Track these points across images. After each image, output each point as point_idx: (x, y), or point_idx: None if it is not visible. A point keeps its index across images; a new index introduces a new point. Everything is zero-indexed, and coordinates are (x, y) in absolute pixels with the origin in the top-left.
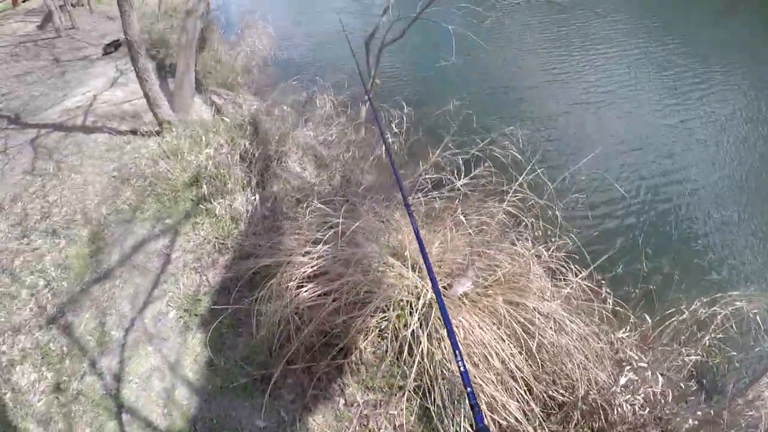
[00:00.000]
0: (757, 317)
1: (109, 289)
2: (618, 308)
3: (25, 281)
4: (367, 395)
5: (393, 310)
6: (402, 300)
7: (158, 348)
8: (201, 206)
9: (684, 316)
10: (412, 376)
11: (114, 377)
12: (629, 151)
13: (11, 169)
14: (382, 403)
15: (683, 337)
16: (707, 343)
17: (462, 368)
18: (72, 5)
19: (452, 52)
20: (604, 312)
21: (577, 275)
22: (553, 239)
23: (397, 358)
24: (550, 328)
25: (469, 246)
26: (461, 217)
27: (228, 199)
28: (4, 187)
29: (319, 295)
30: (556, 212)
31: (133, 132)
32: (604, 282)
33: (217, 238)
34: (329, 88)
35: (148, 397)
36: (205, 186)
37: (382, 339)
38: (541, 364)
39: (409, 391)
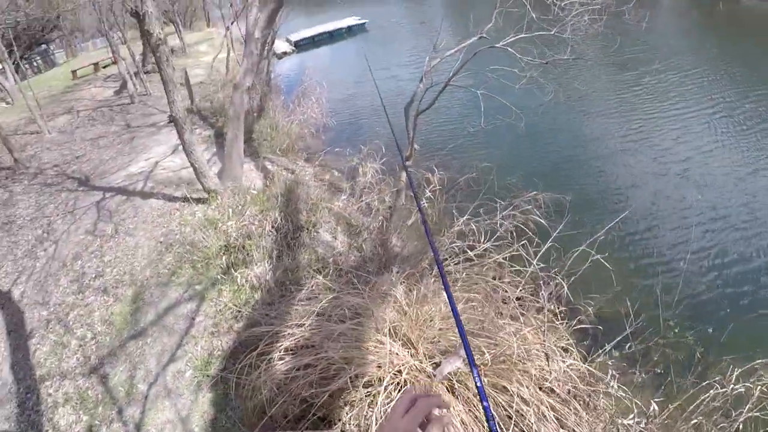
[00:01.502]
0: None
1: (141, 346)
2: (621, 393)
3: (76, 333)
4: None
5: (376, 386)
6: (382, 377)
7: (174, 403)
8: (227, 275)
9: (711, 393)
10: None
11: (135, 426)
12: (690, 225)
13: (76, 229)
14: None
15: (716, 417)
16: (740, 426)
17: None
18: (146, 72)
19: (481, 116)
20: (612, 395)
21: (587, 355)
22: (563, 316)
23: None
24: (533, 414)
25: (470, 322)
26: (457, 292)
27: (251, 268)
28: (68, 245)
29: (297, 368)
30: (566, 289)
31: (185, 199)
32: (611, 364)
33: (235, 305)
34: (372, 155)
35: None
36: (227, 256)
37: (371, 413)
38: None
39: None
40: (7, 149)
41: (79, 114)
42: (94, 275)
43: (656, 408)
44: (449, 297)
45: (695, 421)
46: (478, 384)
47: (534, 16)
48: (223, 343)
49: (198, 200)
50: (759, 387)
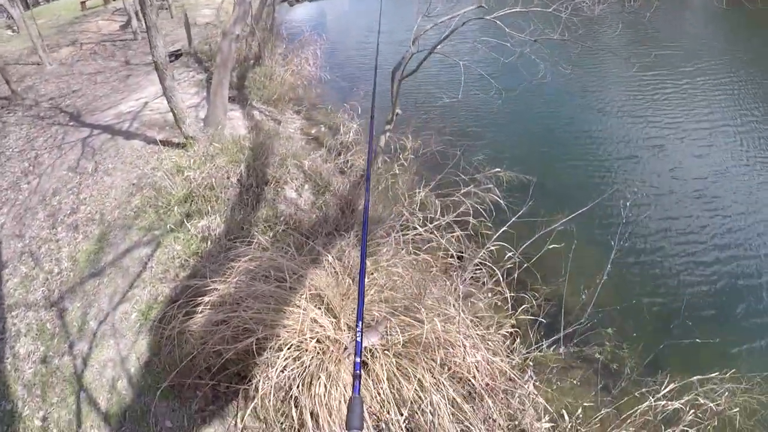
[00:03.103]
0: None
1: (97, 285)
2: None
3: (45, 267)
4: (255, 423)
5: (286, 351)
6: (290, 342)
7: (117, 342)
8: (183, 224)
9: (641, 407)
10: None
11: (82, 360)
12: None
13: (60, 164)
14: None
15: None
16: None
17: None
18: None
19: (461, 88)
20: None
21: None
22: (512, 301)
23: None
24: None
25: (396, 301)
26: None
27: (206, 219)
28: (50, 180)
29: (215, 323)
30: (515, 275)
31: (164, 143)
32: (535, 361)
33: (185, 254)
34: (355, 115)
35: (101, 382)
36: (189, 204)
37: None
38: None
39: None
40: (4, 80)
41: (81, 47)
42: (69, 211)
43: (569, 415)
44: (362, 258)
45: None
46: (358, 339)
47: None
48: (168, 290)
49: (177, 145)
50: (693, 411)
